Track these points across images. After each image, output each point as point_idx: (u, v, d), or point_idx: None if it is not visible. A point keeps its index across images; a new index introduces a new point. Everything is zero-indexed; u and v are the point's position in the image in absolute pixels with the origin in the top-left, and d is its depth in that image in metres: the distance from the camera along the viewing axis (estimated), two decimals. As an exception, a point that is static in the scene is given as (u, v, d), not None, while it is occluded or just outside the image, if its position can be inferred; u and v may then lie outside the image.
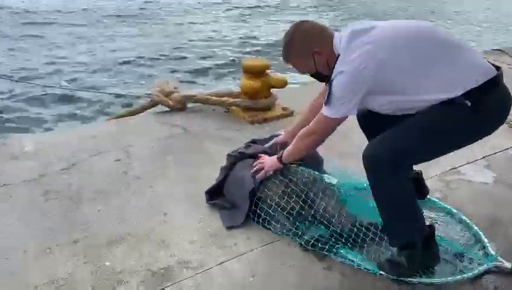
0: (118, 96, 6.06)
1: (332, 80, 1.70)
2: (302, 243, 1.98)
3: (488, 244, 1.99)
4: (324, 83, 1.90)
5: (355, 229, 2.00)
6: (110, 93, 5.99)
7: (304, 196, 2.11)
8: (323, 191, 2.13)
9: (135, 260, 1.92)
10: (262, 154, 2.26)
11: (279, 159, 2.11)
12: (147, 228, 2.14)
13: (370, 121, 1.97)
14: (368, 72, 1.62)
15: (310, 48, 1.80)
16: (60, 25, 11.26)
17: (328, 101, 1.72)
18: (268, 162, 2.16)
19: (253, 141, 2.52)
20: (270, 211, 2.10)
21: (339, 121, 1.77)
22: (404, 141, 1.67)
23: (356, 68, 1.62)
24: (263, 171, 2.16)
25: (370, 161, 1.70)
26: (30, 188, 2.49)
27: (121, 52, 8.92)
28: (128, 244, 2.02)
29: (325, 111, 1.76)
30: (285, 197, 2.11)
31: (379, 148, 1.70)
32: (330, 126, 1.81)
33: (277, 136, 2.54)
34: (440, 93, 1.62)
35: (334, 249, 1.93)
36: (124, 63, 8.26)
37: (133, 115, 3.82)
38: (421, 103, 1.66)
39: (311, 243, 1.95)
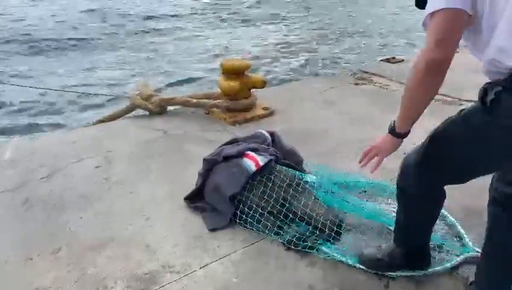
0: (97, 98, 5.99)
1: None
2: (284, 242, 2.01)
3: (464, 235, 2.05)
4: None
5: (336, 222, 2.05)
6: (89, 94, 5.91)
7: (283, 194, 2.14)
8: (303, 188, 2.17)
9: (119, 266, 1.92)
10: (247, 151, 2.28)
11: (392, 131, 1.51)
12: (130, 233, 2.14)
13: None
14: None
15: None
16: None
17: None
18: (381, 143, 1.57)
19: (235, 140, 2.53)
20: (251, 212, 2.12)
21: (451, 17, 1.22)
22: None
23: None
24: (379, 157, 1.58)
25: (402, 164, 1.59)
26: (10, 197, 2.47)
27: (95, 55, 8.82)
28: (111, 250, 2.02)
29: (427, 9, 1.27)
30: (265, 197, 2.14)
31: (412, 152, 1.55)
32: (441, 25, 1.23)
33: (261, 133, 2.56)
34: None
35: (315, 246, 1.97)
36: (98, 66, 8.16)
37: (113, 119, 3.80)
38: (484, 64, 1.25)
39: (293, 241, 1.98)
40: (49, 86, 6.68)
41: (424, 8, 1.29)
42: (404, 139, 1.51)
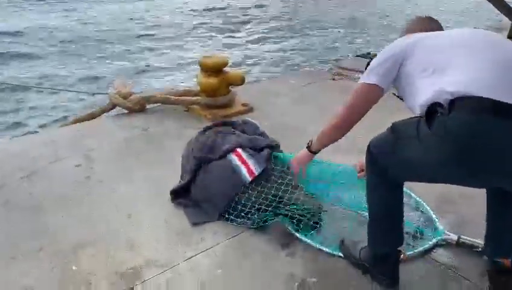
0: (73, 96, 5.91)
1: None
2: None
3: (436, 220, 2.15)
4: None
5: (318, 211, 2.13)
6: (64, 90, 5.81)
7: (274, 192, 2.18)
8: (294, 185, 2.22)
9: (102, 262, 1.94)
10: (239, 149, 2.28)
11: (308, 148, 1.99)
12: (112, 231, 2.15)
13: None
14: (402, 43, 1.57)
15: None
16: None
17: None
18: (300, 155, 2.05)
19: (225, 123, 2.49)
20: (241, 211, 2.15)
21: (367, 90, 1.61)
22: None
23: (393, 42, 1.63)
24: (297, 166, 2.08)
25: (367, 149, 1.67)
26: (-11, 199, 2.45)
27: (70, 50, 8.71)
28: (94, 248, 2.03)
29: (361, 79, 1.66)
30: (259, 199, 2.17)
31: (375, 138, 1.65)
32: (359, 93, 1.64)
33: (252, 121, 2.57)
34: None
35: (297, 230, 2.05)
36: (73, 64, 8.04)
37: (91, 118, 3.78)
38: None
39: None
40: (22, 82, 6.56)
41: None
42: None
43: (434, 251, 1.98)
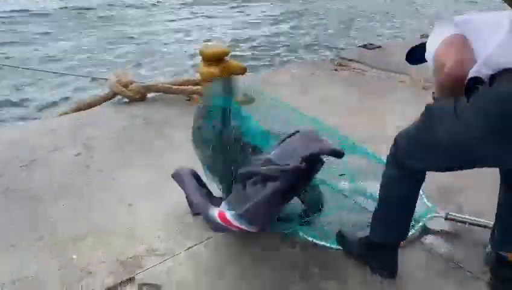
0: (72, 80, 5.83)
1: None
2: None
3: (423, 196, 2.15)
4: None
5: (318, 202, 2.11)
6: (63, 73, 5.73)
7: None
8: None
9: (103, 251, 1.93)
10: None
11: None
12: (112, 220, 2.15)
13: None
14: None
15: None
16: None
17: None
18: None
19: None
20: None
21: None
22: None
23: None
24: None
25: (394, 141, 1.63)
26: (-12, 188, 2.44)
27: (74, 40, 8.66)
28: (94, 237, 2.03)
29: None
30: None
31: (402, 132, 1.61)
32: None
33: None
34: None
35: (297, 228, 2.03)
36: (72, 51, 7.98)
37: (91, 107, 3.76)
38: None
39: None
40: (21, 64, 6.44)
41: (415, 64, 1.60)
42: (387, 123, 1.58)
43: (428, 234, 1.99)
